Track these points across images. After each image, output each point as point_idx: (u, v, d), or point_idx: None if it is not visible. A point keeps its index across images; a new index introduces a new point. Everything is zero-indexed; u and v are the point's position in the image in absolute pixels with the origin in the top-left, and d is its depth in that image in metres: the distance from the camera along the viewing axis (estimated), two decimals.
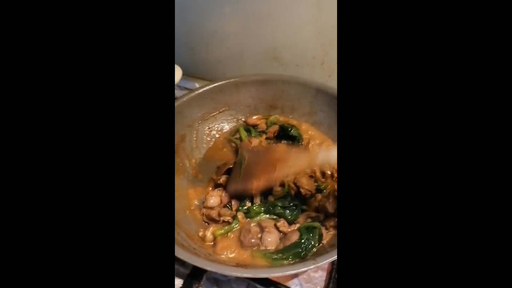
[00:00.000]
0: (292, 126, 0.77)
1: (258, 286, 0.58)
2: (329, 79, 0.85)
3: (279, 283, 0.58)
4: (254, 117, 0.81)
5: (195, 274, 0.57)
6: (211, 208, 0.63)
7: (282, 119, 0.80)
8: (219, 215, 0.62)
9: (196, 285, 0.57)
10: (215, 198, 0.64)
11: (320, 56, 0.82)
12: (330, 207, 0.59)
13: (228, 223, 0.61)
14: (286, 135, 0.77)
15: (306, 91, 0.78)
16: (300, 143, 0.75)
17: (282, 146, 0.68)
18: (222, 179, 0.67)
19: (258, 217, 0.62)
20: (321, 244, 0.56)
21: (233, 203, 0.64)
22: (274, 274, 0.44)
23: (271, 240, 0.58)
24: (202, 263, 0.47)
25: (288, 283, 0.60)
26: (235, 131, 0.79)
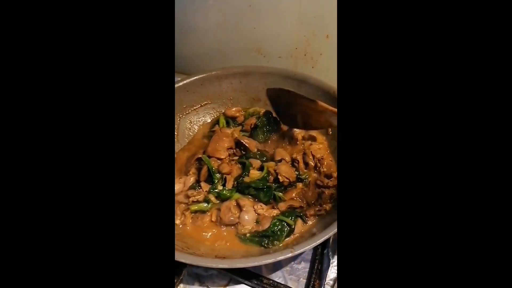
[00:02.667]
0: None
1: (240, 279, 0.57)
2: (313, 70, 0.84)
3: (261, 276, 0.58)
4: (234, 108, 0.79)
5: (174, 269, 0.56)
6: (175, 195, 0.63)
7: (262, 111, 0.78)
8: (187, 196, 0.62)
9: (176, 280, 0.56)
10: (176, 185, 0.64)
11: (303, 47, 0.82)
12: (310, 196, 0.59)
13: (198, 202, 0.61)
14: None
15: (289, 83, 0.77)
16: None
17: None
18: (192, 170, 0.66)
19: (234, 196, 0.62)
20: (292, 236, 0.56)
21: (202, 185, 0.64)
22: (251, 264, 0.43)
23: (248, 219, 0.58)
24: (178, 256, 0.45)
25: (271, 276, 0.59)
26: (214, 123, 0.78)
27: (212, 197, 0.62)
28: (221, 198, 0.62)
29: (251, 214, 0.58)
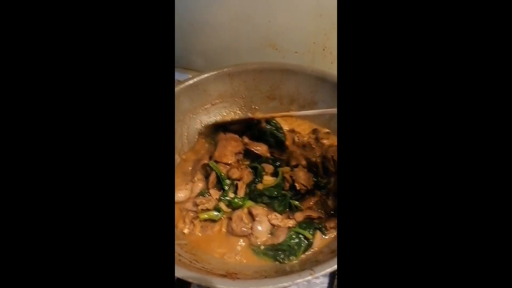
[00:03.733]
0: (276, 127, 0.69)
1: None
2: (332, 66, 0.79)
3: None
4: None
5: (183, 282, 0.53)
6: (182, 202, 0.59)
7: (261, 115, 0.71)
8: (196, 204, 0.57)
9: None
10: (183, 191, 0.60)
11: (321, 41, 0.76)
12: (330, 206, 0.54)
13: (208, 210, 0.57)
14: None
15: (306, 80, 0.72)
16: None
17: None
18: (197, 176, 0.62)
19: (246, 204, 0.57)
20: (310, 250, 0.51)
21: (211, 192, 0.59)
22: (265, 286, 0.39)
23: (262, 230, 0.53)
24: (185, 273, 0.42)
25: None
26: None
27: (223, 205, 0.57)
28: (233, 206, 0.57)
29: (265, 225, 0.54)
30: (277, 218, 0.55)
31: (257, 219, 0.54)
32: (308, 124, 0.74)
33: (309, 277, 0.39)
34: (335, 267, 0.40)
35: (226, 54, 0.87)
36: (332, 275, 0.55)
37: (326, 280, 0.56)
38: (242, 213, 0.55)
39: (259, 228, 0.53)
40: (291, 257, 0.50)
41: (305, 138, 0.70)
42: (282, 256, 0.50)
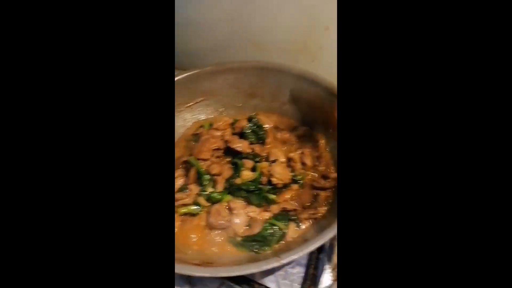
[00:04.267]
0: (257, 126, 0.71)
1: (231, 283, 0.55)
2: (313, 64, 0.81)
3: (253, 281, 0.55)
4: (220, 122, 0.74)
5: None
6: None
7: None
8: (176, 199, 0.59)
9: None
10: None
11: (301, 40, 0.78)
12: (305, 199, 0.56)
13: (188, 205, 0.59)
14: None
15: (286, 78, 0.74)
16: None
17: None
18: (178, 173, 0.64)
19: (225, 199, 0.59)
20: (283, 241, 0.53)
21: (191, 188, 0.61)
22: (234, 273, 0.41)
23: (239, 222, 0.55)
24: None
25: (264, 280, 0.57)
26: (198, 127, 0.75)
27: (202, 200, 0.59)
28: (212, 200, 0.59)
29: (242, 218, 0.56)
30: (254, 211, 0.57)
31: (234, 212, 0.56)
32: (292, 121, 0.75)
33: (276, 264, 0.41)
34: (301, 253, 0.42)
35: (212, 53, 0.88)
36: (308, 265, 0.57)
37: (302, 270, 0.58)
38: (220, 207, 0.57)
39: (237, 221, 0.55)
40: (265, 248, 0.52)
41: (287, 135, 0.72)
42: (256, 246, 0.52)
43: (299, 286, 0.56)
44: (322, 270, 0.56)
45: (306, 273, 0.56)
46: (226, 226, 0.56)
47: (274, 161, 0.63)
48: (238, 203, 0.58)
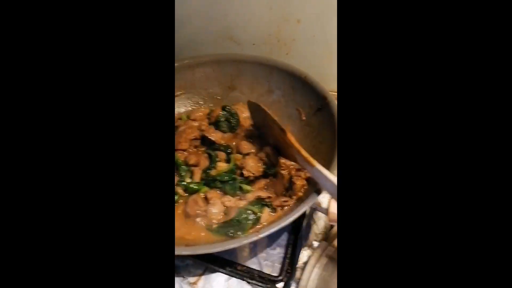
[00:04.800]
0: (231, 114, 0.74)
1: (215, 267, 0.58)
2: (287, 56, 0.84)
3: (236, 263, 0.58)
4: (199, 113, 0.77)
5: None
6: None
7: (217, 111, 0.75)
8: None
9: None
10: None
11: (274, 33, 0.80)
12: (279, 187, 0.59)
13: None
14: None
15: (262, 70, 0.76)
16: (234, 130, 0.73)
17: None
18: None
19: (202, 190, 0.62)
20: (259, 225, 0.56)
21: None
22: (214, 249, 0.44)
23: (216, 211, 0.58)
24: None
25: (247, 263, 0.59)
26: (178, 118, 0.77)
27: (179, 190, 0.62)
28: (189, 191, 0.62)
29: (218, 207, 0.58)
30: (229, 201, 0.59)
31: (211, 202, 0.59)
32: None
33: (255, 238, 0.44)
34: (277, 228, 0.45)
35: (188, 48, 0.89)
36: (287, 245, 0.60)
37: (282, 251, 0.61)
38: (197, 197, 0.60)
39: (213, 210, 0.58)
40: (240, 232, 0.54)
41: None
42: (232, 231, 0.55)
43: (279, 265, 0.59)
44: (300, 249, 0.60)
45: (286, 252, 0.59)
46: (203, 215, 0.58)
47: (248, 154, 0.66)
48: (214, 193, 0.60)
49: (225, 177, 0.62)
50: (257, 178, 0.62)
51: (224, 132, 0.72)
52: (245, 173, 0.61)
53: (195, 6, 0.80)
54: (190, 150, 0.67)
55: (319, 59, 0.81)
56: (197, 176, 0.63)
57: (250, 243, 0.58)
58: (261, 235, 0.44)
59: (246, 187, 0.61)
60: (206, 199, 0.60)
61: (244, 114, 0.76)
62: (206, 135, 0.68)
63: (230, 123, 0.72)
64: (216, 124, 0.72)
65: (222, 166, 0.63)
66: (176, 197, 0.61)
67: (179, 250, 0.44)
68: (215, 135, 0.69)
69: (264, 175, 0.63)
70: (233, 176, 0.62)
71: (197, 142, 0.69)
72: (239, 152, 0.66)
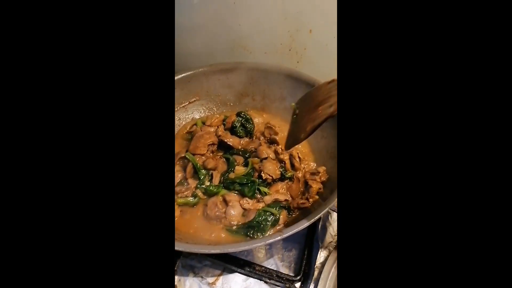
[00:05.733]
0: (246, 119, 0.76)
1: (234, 268, 0.59)
2: (298, 65, 0.86)
3: (254, 263, 0.59)
4: (215, 119, 0.79)
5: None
6: None
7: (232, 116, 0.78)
8: (176, 193, 0.64)
9: None
10: None
11: (287, 42, 0.84)
12: (295, 190, 0.62)
13: (187, 197, 0.64)
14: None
15: (275, 78, 0.79)
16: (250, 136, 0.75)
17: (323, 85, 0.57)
18: (176, 168, 0.68)
19: (221, 192, 0.64)
20: (277, 227, 0.59)
21: (190, 182, 0.66)
22: (242, 248, 0.45)
23: (235, 213, 0.60)
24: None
25: (264, 264, 0.61)
26: (192, 125, 0.80)
27: (199, 193, 0.64)
28: (208, 193, 0.64)
29: (237, 209, 0.60)
30: (248, 203, 0.61)
31: (230, 204, 0.61)
32: (283, 123, 0.79)
33: (278, 237, 0.45)
34: (300, 228, 0.47)
35: (201, 56, 0.92)
36: (304, 247, 0.62)
37: (298, 252, 0.62)
38: (216, 199, 0.62)
39: (232, 212, 0.60)
40: (259, 233, 0.56)
41: (277, 137, 0.76)
42: (252, 231, 0.57)
43: (296, 266, 0.61)
44: (317, 250, 0.61)
45: (303, 253, 0.61)
46: (222, 217, 0.60)
47: (265, 158, 0.68)
48: (233, 196, 0.62)
49: (245, 180, 0.64)
50: (274, 181, 0.65)
51: (240, 137, 0.74)
52: (264, 175, 0.63)
53: (211, 15, 0.83)
54: (208, 155, 0.70)
55: (330, 68, 0.84)
56: (216, 180, 0.65)
57: (267, 244, 0.60)
58: (285, 235, 0.46)
59: (264, 189, 0.63)
60: (225, 202, 0.62)
61: (256, 119, 0.79)
62: (224, 140, 0.70)
63: (246, 128, 0.75)
64: (232, 129, 0.75)
65: (240, 169, 0.66)
66: (196, 200, 0.63)
67: (207, 249, 0.45)
68: (232, 140, 0.71)
69: (281, 178, 0.65)
70: (252, 179, 0.64)
71: (214, 147, 0.72)
72: (256, 157, 0.68)
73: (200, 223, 0.60)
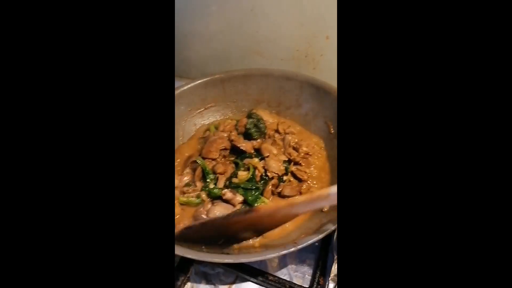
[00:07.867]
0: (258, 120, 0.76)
1: (247, 277, 0.58)
2: (314, 71, 0.86)
3: (267, 273, 0.59)
4: (227, 125, 0.80)
5: (181, 267, 0.58)
6: None
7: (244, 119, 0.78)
8: (183, 192, 0.67)
9: (183, 278, 0.58)
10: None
11: (303, 48, 0.83)
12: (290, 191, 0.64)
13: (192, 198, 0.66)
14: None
15: (291, 84, 0.79)
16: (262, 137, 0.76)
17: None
18: (186, 170, 0.70)
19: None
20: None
21: (197, 184, 0.68)
22: (254, 258, 0.45)
23: (218, 213, 0.61)
24: (185, 252, 0.47)
25: (277, 273, 0.60)
26: (205, 130, 0.81)
27: (203, 195, 0.66)
28: (211, 196, 0.65)
29: (220, 207, 0.63)
30: (229, 194, 0.64)
31: (215, 204, 0.63)
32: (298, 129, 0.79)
33: (292, 248, 0.45)
34: (316, 238, 0.46)
35: (217, 62, 0.93)
36: (318, 257, 0.61)
37: (312, 262, 0.61)
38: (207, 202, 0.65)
39: (216, 212, 0.61)
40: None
41: (290, 138, 0.76)
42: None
43: (310, 277, 0.59)
44: (331, 262, 0.60)
45: (316, 264, 0.60)
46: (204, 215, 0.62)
47: (267, 156, 0.69)
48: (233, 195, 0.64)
49: (249, 185, 0.65)
50: (279, 178, 0.66)
51: (255, 139, 0.74)
52: (270, 174, 0.65)
53: (228, 22, 0.84)
54: (219, 160, 0.71)
55: None
56: (221, 183, 0.67)
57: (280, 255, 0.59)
58: (299, 246, 0.45)
59: (265, 200, 0.65)
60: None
61: (269, 120, 0.80)
62: (237, 145, 0.71)
63: (260, 129, 0.75)
64: (245, 133, 0.75)
65: (242, 174, 0.66)
66: (198, 200, 0.66)
67: (220, 258, 0.45)
68: (245, 145, 0.71)
69: (286, 173, 0.67)
70: (257, 185, 0.65)
71: (226, 152, 0.72)
72: (261, 158, 0.70)
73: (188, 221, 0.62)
